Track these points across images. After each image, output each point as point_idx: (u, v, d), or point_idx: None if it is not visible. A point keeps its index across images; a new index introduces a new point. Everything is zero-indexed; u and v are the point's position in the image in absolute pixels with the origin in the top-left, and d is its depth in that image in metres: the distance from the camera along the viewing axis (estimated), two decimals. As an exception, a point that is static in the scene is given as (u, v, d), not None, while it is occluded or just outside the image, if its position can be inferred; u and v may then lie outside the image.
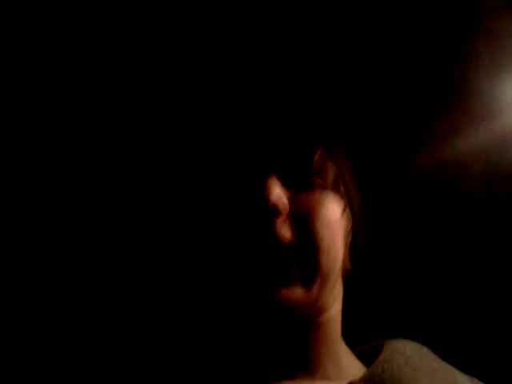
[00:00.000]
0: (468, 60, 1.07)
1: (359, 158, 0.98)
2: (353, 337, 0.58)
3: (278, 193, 0.49)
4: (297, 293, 0.48)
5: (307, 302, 0.48)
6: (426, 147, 1.09)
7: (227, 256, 0.50)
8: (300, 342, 0.51)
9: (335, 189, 0.54)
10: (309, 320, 0.51)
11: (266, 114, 0.56)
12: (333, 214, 0.52)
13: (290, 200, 0.50)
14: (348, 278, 0.57)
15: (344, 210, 0.54)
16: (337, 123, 0.91)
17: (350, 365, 0.54)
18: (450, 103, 1.10)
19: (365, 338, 0.62)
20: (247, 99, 0.58)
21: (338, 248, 0.52)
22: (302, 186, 0.52)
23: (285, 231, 0.48)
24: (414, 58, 1.08)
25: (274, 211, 0.48)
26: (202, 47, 0.90)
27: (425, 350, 0.57)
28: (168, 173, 0.75)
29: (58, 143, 0.95)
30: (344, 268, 0.55)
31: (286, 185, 0.51)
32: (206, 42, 0.89)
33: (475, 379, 0.58)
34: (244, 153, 0.53)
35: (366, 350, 0.59)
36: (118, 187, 0.93)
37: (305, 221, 0.50)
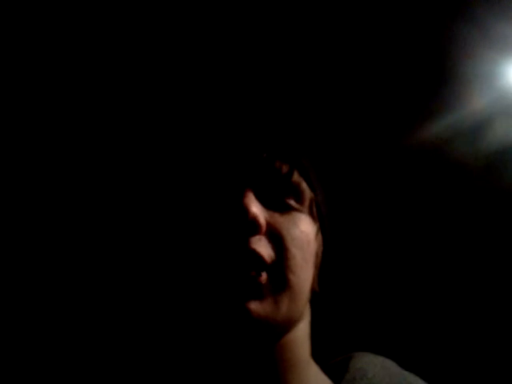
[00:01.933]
0: (455, 41, 1.07)
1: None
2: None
3: (257, 208, 0.50)
4: (265, 307, 0.48)
5: (274, 318, 0.49)
6: (419, 124, 1.11)
7: (200, 265, 0.51)
8: (267, 363, 0.52)
9: (310, 212, 0.55)
10: (275, 338, 0.52)
11: (243, 135, 0.56)
12: (306, 236, 0.52)
13: (267, 219, 0.51)
14: (316, 300, 0.59)
15: (317, 234, 0.55)
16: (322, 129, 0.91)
17: None
18: (441, 82, 1.11)
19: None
20: (228, 115, 0.58)
21: (308, 269, 0.53)
22: (278, 207, 0.53)
23: (259, 247, 0.49)
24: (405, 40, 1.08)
25: (253, 225, 0.49)
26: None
27: (388, 365, 0.60)
28: (148, 180, 0.75)
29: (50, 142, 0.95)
30: (312, 290, 0.56)
31: (262, 204, 0.52)
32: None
33: None
34: (223, 170, 0.54)
35: (335, 363, 0.62)
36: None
37: (279, 240, 0.50)
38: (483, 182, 1.08)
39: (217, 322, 0.50)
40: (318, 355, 0.59)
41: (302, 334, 0.55)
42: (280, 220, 0.52)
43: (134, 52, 0.96)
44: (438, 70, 1.12)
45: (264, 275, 0.48)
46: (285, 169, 0.54)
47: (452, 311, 0.95)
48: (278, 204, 0.53)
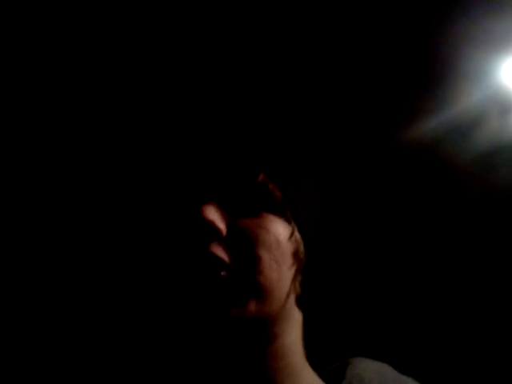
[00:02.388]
0: (447, 39, 1.07)
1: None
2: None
3: (213, 212, 0.52)
4: (232, 306, 0.49)
5: (242, 317, 0.49)
6: (411, 122, 1.10)
7: (167, 271, 0.52)
8: (260, 371, 0.52)
9: (282, 212, 0.55)
10: (252, 338, 0.51)
11: (207, 139, 0.57)
12: (275, 238, 0.53)
13: (233, 224, 0.53)
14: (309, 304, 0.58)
15: (292, 235, 0.54)
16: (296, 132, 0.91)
17: None
18: (432, 79, 1.10)
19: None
20: (193, 123, 0.59)
21: (281, 270, 0.52)
22: (248, 211, 0.54)
23: (219, 251, 0.51)
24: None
25: (211, 230, 0.51)
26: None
27: (384, 371, 0.59)
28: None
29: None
30: (295, 291, 0.55)
31: (229, 210, 0.53)
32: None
33: None
34: (187, 179, 0.55)
35: (332, 369, 0.61)
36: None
37: (244, 243, 0.52)
38: (475, 179, 1.08)
39: (188, 325, 0.51)
40: (314, 361, 0.58)
41: (293, 339, 0.55)
42: (247, 224, 0.53)
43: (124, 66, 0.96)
44: (430, 68, 1.12)
45: (224, 272, 0.50)
46: (252, 173, 0.55)
47: (448, 314, 0.95)
48: (247, 209, 0.54)
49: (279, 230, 0.53)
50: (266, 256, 0.51)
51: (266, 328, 0.52)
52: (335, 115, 1.11)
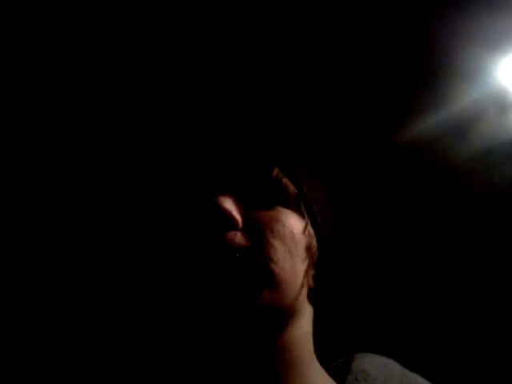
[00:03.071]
0: (444, 39, 1.07)
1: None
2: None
3: (230, 203, 0.53)
4: (246, 293, 0.50)
5: (256, 304, 0.50)
6: (408, 122, 1.10)
7: (185, 260, 0.53)
8: (267, 363, 0.52)
9: (296, 207, 0.56)
10: (266, 328, 0.51)
11: (224, 134, 0.58)
12: (289, 230, 0.53)
13: (248, 216, 0.53)
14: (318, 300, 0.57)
15: (305, 229, 0.55)
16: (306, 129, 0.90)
17: None
18: (430, 79, 1.10)
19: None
20: (210, 117, 0.60)
21: (295, 262, 0.53)
22: (263, 205, 0.55)
23: (236, 239, 0.51)
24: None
25: (228, 220, 0.52)
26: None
27: (390, 366, 0.59)
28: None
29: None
30: (308, 285, 0.55)
31: (245, 203, 0.54)
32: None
33: None
34: (204, 173, 0.56)
35: (337, 365, 0.60)
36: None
37: (260, 234, 0.52)
38: (474, 177, 1.08)
39: (201, 313, 0.51)
40: (320, 356, 0.57)
41: (303, 332, 0.55)
42: (263, 216, 0.54)
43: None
44: (428, 66, 1.12)
45: (239, 260, 0.50)
46: (266, 168, 0.56)
47: (454, 310, 0.95)
48: (262, 202, 0.55)
49: (294, 223, 0.54)
50: (280, 247, 0.52)
51: (278, 319, 0.52)
52: (336, 116, 1.11)
